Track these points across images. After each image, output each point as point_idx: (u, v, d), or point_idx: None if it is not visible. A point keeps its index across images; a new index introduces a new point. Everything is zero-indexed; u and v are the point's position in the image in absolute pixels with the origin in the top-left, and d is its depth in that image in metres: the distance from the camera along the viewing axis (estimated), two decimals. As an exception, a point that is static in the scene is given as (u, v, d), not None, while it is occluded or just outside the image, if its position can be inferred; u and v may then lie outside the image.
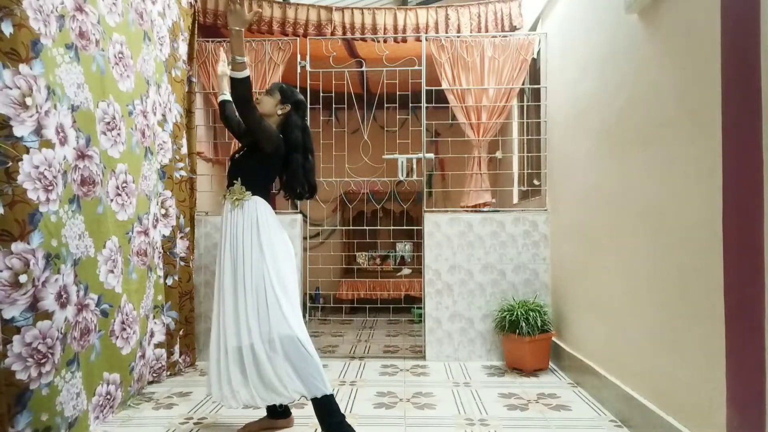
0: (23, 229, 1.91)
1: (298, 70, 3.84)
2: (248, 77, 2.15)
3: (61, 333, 2.07)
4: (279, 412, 2.37)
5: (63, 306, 2.09)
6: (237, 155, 2.41)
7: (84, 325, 2.31)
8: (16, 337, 1.88)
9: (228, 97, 2.56)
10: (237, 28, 2.12)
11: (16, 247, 1.88)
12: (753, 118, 1.53)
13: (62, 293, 2.09)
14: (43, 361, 1.97)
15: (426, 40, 3.92)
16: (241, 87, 2.14)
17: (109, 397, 2.51)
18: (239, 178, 2.30)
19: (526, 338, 3.24)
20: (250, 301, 2.18)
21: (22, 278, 1.89)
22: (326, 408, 2.15)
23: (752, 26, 1.54)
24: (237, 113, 2.26)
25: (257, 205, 2.27)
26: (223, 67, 2.63)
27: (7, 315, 1.86)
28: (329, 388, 2.15)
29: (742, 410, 1.60)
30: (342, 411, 2.21)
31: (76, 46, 2.31)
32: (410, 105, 4.30)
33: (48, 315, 1.99)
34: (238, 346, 2.18)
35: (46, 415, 1.99)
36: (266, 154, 2.29)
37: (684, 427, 1.90)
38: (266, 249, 2.22)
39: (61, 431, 2.07)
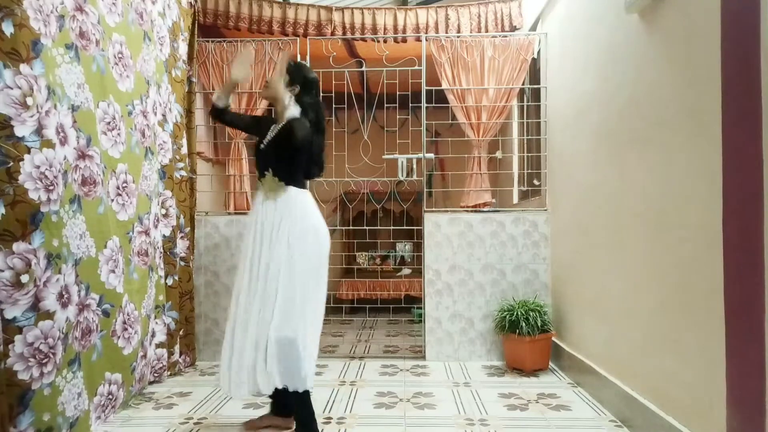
0: (25, 229, 1.91)
1: (299, 70, 3.84)
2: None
3: (63, 333, 2.08)
4: (282, 410, 2.37)
5: (64, 306, 2.09)
6: (262, 146, 2.36)
7: (85, 325, 2.31)
8: (18, 337, 1.88)
9: (223, 104, 2.47)
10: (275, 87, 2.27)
11: (18, 247, 1.89)
12: (753, 118, 1.54)
13: (63, 293, 2.09)
14: (44, 361, 1.97)
15: (426, 40, 3.92)
16: (304, 128, 2.22)
17: (110, 397, 2.51)
18: (270, 170, 2.29)
19: (526, 338, 3.24)
20: (270, 294, 2.17)
21: (24, 278, 1.90)
22: (302, 403, 2.18)
23: (752, 26, 1.55)
24: (292, 140, 2.23)
25: (293, 195, 2.27)
26: (237, 73, 2.45)
27: (8, 315, 1.87)
28: (310, 384, 2.16)
29: (742, 410, 1.61)
30: (342, 411, 2.21)
31: (76, 46, 2.31)
32: (410, 105, 4.29)
33: (49, 315, 2.00)
34: (256, 339, 2.17)
35: (48, 415, 1.99)
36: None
37: (684, 427, 1.90)
38: (295, 243, 2.21)
39: (63, 431, 2.08)
